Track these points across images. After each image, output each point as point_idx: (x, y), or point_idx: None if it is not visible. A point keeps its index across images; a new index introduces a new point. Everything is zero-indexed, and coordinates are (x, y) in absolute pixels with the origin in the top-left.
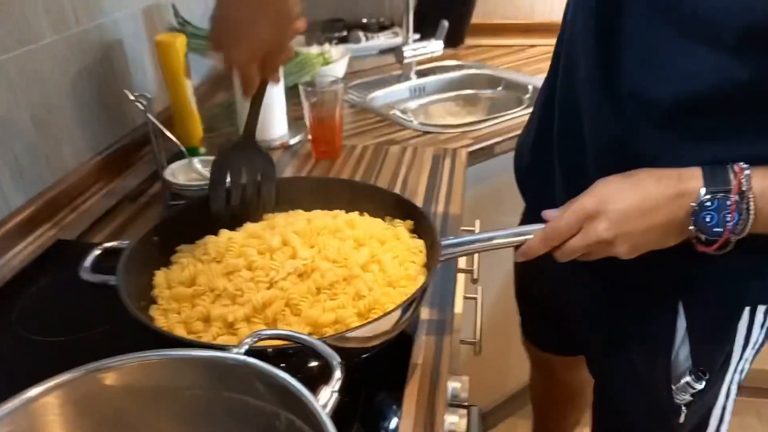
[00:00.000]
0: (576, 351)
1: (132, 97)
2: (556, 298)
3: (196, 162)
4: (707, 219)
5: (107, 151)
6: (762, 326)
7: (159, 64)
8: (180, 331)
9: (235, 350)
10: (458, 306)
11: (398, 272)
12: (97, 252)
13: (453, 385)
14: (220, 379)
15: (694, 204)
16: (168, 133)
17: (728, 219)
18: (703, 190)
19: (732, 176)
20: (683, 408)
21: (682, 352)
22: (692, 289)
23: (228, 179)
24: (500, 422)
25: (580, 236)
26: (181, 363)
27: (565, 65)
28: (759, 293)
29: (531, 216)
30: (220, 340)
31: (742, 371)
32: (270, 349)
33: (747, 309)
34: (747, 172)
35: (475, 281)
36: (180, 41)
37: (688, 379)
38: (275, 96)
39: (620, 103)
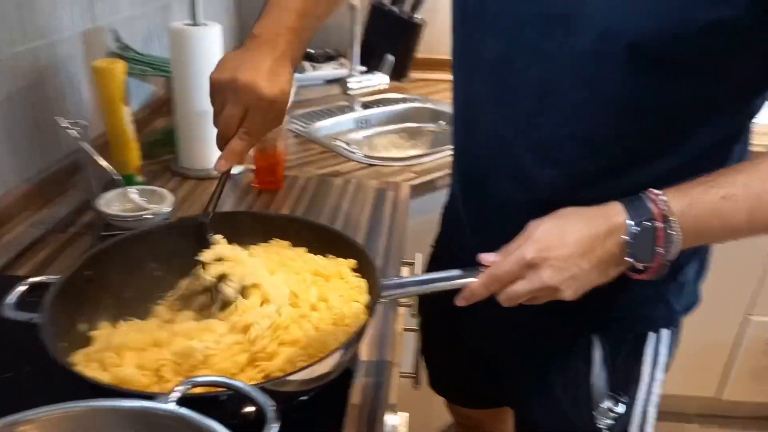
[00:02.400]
0: (496, 403)
1: (63, 124)
2: (473, 350)
3: (132, 191)
4: (640, 248)
5: (36, 178)
6: (667, 347)
7: (96, 90)
8: (107, 378)
9: (166, 399)
10: (398, 341)
11: (343, 311)
12: (21, 288)
13: (391, 422)
14: (149, 430)
15: (626, 237)
16: (102, 161)
17: (658, 244)
18: (630, 223)
19: (650, 204)
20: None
21: (599, 378)
22: (604, 321)
23: None
24: None
25: (525, 283)
26: (107, 413)
27: (464, 117)
28: (662, 319)
29: (441, 259)
30: (152, 389)
31: (657, 394)
32: (203, 397)
33: (653, 333)
34: (662, 197)
35: (414, 315)
36: (119, 67)
37: (608, 403)
38: None
39: (522, 142)
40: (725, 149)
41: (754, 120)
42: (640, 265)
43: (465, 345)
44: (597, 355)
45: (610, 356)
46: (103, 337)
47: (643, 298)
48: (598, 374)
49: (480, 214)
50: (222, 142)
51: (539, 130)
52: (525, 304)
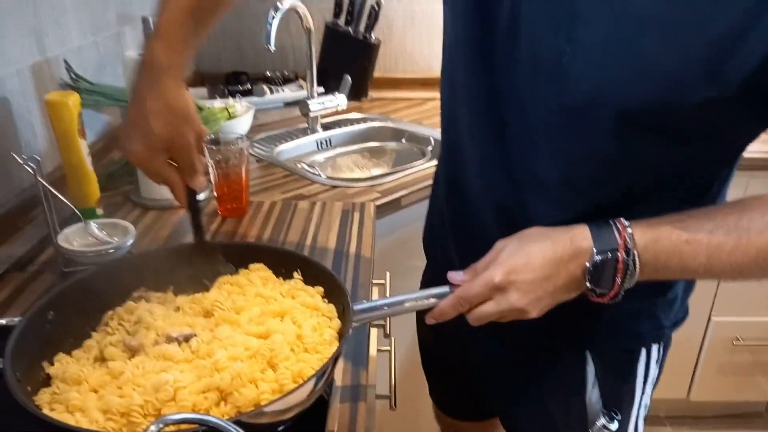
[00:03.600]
0: (487, 416)
1: (20, 161)
2: (465, 363)
3: (93, 226)
4: (600, 275)
5: None
6: (657, 362)
7: (50, 124)
8: (78, 421)
9: None
10: (372, 363)
11: (315, 338)
12: None
13: None
14: None
15: (588, 264)
16: (61, 197)
17: (617, 274)
18: (594, 251)
19: (617, 234)
20: None
21: (593, 395)
22: (594, 337)
23: None
24: None
25: (493, 305)
26: None
27: (452, 144)
28: (650, 334)
29: (430, 275)
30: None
31: (645, 406)
32: None
33: (644, 349)
34: (629, 230)
35: (387, 336)
36: (73, 100)
37: (603, 421)
38: None
39: (511, 177)
40: (709, 191)
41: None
42: (597, 290)
43: (457, 359)
44: (590, 371)
45: (602, 373)
46: (60, 372)
47: (631, 314)
48: (592, 391)
49: (466, 237)
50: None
51: (529, 168)
52: (513, 321)
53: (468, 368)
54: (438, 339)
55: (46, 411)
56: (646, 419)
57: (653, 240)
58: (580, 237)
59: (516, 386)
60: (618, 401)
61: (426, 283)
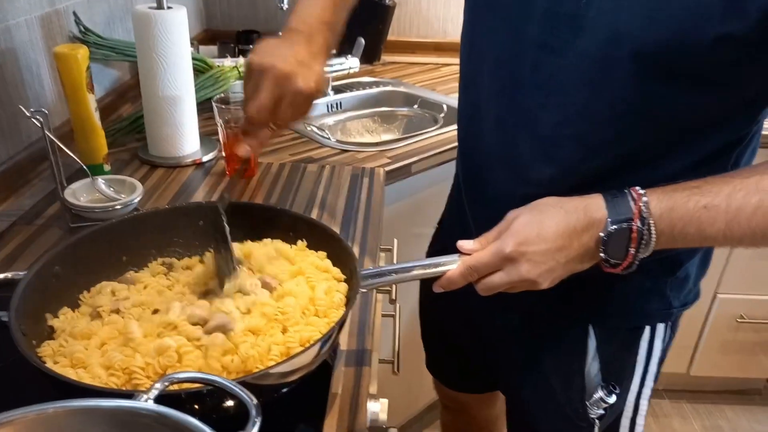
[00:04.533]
0: (487, 389)
1: (28, 114)
2: (467, 335)
3: (100, 181)
4: (614, 246)
5: None
6: (663, 341)
7: (58, 77)
8: (81, 376)
9: (144, 397)
10: (377, 328)
11: (326, 302)
12: None
13: (372, 409)
14: (127, 429)
15: (602, 234)
16: (68, 151)
17: (632, 244)
18: (609, 221)
19: (632, 204)
20: (597, 422)
21: (593, 368)
22: (601, 311)
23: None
24: None
25: (504, 275)
26: (83, 414)
27: (470, 103)
28: (657, 313)
29: (439, 242)
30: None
31: (649, 385)
32: (183, 394)
33: (648, 327)
34: (645, 198)
35: (393, 301)
36: (82, 53)
37: (600, 394)
38: (186, 111)
39: (524, 136)
40: (727, 155)
41: (762, 123)
42: (611, 261)
43: (461, 329)
44: (591, 345)
45: (603, 347)
46: (68, 326)
47: (640, 291)
48: (591, 364)
49: (479, 203)
50: (248, 127)
51: (540, 126)
52: (520, 293)
53: (469, 341)
54: (441, 311)
55: (49, 364)
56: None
57: (669, 208)
58: (594, 207)
59: (518, 357)
60: (618, 376)
61: (433, 251)
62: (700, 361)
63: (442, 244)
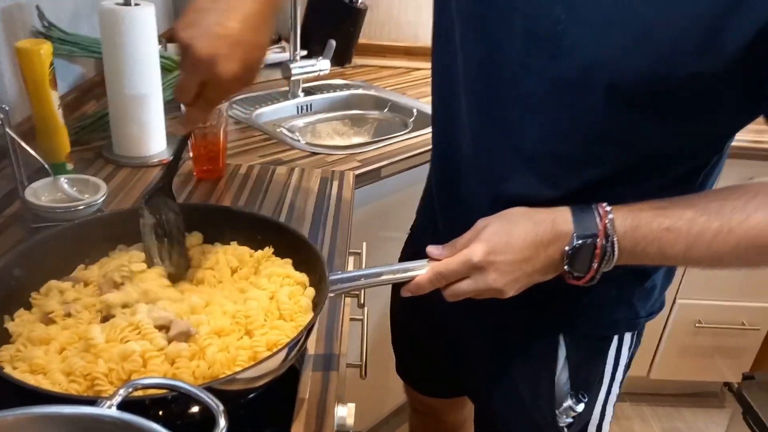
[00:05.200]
0: (456, 393)
1: None
2: (437, 340)
3: (63, 181)
4: (578, 259)
5: None
6: (629, 348)
7: (20, 72)
8: (40, 382)
9: (108, 403)
10: (344, 332)
11: (291, 306)
12: None
13: (339, 414)
14: None
15: (567, 248)
16: (29, 149)
17: (595, 259)
18: (574, 236)
19: (598, 220)
20: (565, 430)
21: (562, 377)
22: (570, 321)
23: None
24: None
25: (471, 283)
26: (45, 421)
27: (444, 114)
28: (625, 322)
29: (411, 247)
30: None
31: (615, 392)
32: (147, 401)
33: (616, 336)
34: (611, 216)
35: (361, 306)
36: (45, 48)
37: (569, 402)
38: (153, 110)
39: (500, 150)
40: (697, 176)
41: (728, 144)
42: (574, 273)
43: (431, 334)
44: (561, 353)
45: (573, 356)
46: (26, 330)
47: (608, 301)
48: (561, 372)
49: (451, 210)
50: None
51: (519, 140)
52: (491, 301)
53: (440, 346)
54: (411, 316)
55: (8, 369)
56: (615, 406)
57: (633, 227)
58: (561, 220)
59: (488, 365)
60: (586, 385)
61: (405, 256)
62: (660, 365)
63: (415, 249)
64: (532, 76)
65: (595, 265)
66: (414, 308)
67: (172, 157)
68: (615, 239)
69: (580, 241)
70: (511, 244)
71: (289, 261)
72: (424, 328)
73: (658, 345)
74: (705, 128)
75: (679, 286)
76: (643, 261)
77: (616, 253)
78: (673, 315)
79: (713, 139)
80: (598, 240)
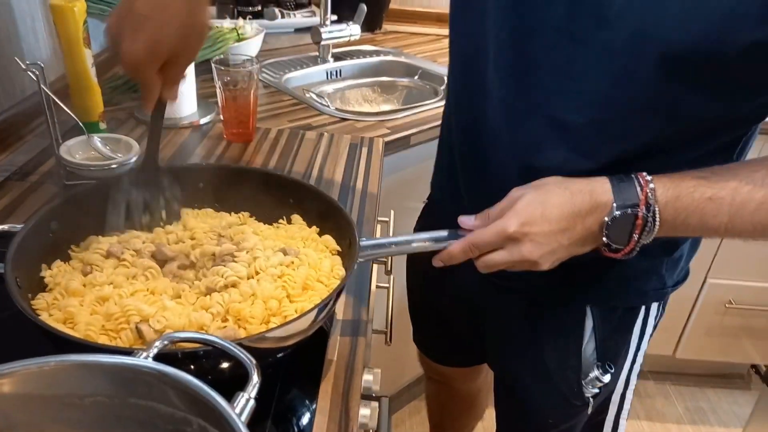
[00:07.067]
0: (473, 362)
1: (23, 66)
2: (455, 310)
3: (96, 139)
4: (617, 231)
5: None
6: (655, 318)
7: (54, 31)
8: (78, 331)
9: (144, 354)
10: (372, 298)
11: (322, 270)
12: None
13: (365, 378)
14: (126, 386)
15: (607, 218)
16: (64, 107)
17: (635, 230)
18: (614, 206)
19: (639, 190)
20: (591, 400)
21: (589, 348)
22: (599, 293)
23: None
24: (404, 406)
25: (505, 254)
26: (83, 369)
27: (469, 81)
28: (653, 293)
29: (429, 216)
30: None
31: (639, 362)
32: (180, 354)
33: (644, 306)
34: (652, 185)
35: (388, 273)
36: (79, 6)
37: (596, 373)
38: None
39: (535, 121)
40: (737, 144)
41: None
42: (613, 245)
43: (452, 304)
44: (588, 325)
45: (600, 327)
46: (60, 280)
47: (638, 272)
48: (588, 344)
49: (477, 179)
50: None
51: (553, 110)
52: (519, 274)
53: (461, 317)
54: (427, 284)
55: (43, 317)
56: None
57: (674, 197)
58: (600, 190)
59: (515, 337)
60: (613, 355)
61: (421, 226)
62: (687, 345)
63: (433, 219)
64: (574, 44)
65: (635, 237)
66: (429, 279)
67: (149, 138)
68: (656, 209)
69: (619, 212)
70: (547, 214)
71: (316, 229)
72: (446, 300)
73: (686, 324)
74: (754, 98)
75: (711, 265)
76: (684, 232)
77: (657, 223)
78: (703, 294)
79: (761, 108)
80: (639, 210)
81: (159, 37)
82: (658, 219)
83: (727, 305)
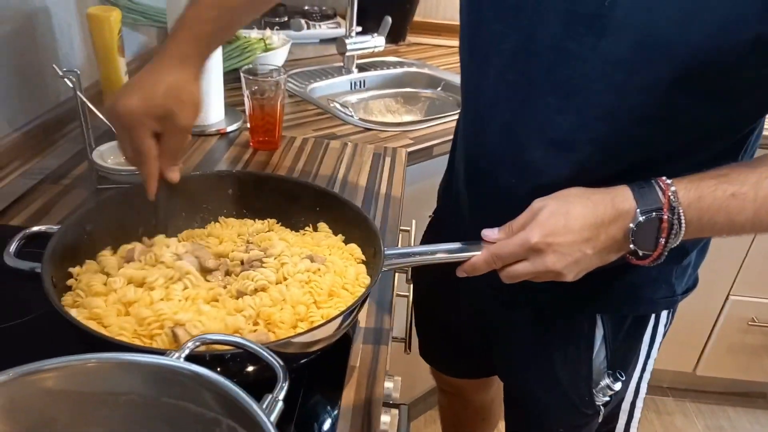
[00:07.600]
0: (485, 373)
1: (60, 73)
2: (470, 325)
3: None
4: (644, 237)
5: (27, 127)
6: (665, 326)
7: (90, 39)
8: (111, 333)
9: (176, 354)
10: (394, 306)
11: (347, 278)
12: (22, 236)
13: (386, 385)
14: (161, 385)
15: (632, 225)
16: (97, 112)
17: (662, 234)
18: (638, 211)
19: (660, 194)
20: (602, 408)
21: (599, 356)
22: (609, 301)
23: None
24: (420, 415)
25: (529, 265)
26: (121, 368)
27: (474, 105)
28: (663, 301)
29: (437, 227)
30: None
31: (649, 369)
32: (208, 356)
33: (653, 314)
34: (673, 188)
35: (409, 281)
36: (114, 15)
37: (607, 381)
38: (212, 80)
39: (537, 138)
40: (741, 146)
41: None
42: (640, 252)
43: (460, 316)
44: (598, 334)
45: (610, 336)
46: (86, 278)
47: (648, 280)
48: (598, 352)
49: (482, 198)
50: (142, 168)
51: (555, 130)
52: (529, 285)
53: (470, 330)
54: (433, 298)
55: (73, 314)
56: (649, 384)
57: (697, 197)
58: (621, 198)
59: (524, 347)
60: (623, 363)
61: (427, 240)
62: (707, 362)
63: (438, 234)
64: (572, 60)
65: (662, 241)
66: (440, 293)
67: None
68: (680, 211)
69: (644, 217)
70: (570, 225)
71: (341, 238)
72: (452, 313)
73: (707, 341)
74: (758, 103)
75: (734, 282)
76: (711, 233)
77: (683, 226)
78: (725, 311)
79: (764, 111)
80: (663, 214)
81: (151, 94)
82: (683, 221)
83: (749, 323)
